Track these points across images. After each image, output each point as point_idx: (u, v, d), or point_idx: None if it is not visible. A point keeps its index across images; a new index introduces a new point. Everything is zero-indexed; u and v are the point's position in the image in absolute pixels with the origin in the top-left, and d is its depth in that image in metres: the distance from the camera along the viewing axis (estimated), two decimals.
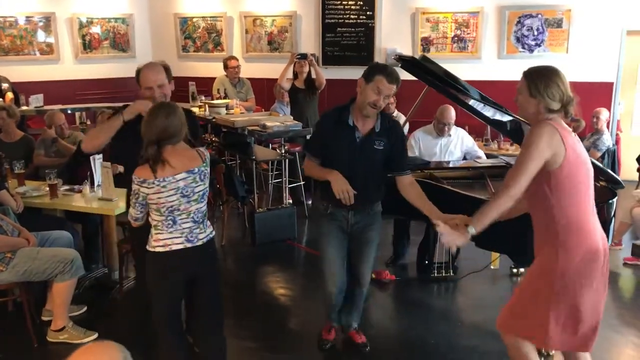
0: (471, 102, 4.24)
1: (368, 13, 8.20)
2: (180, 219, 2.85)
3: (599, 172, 3.85)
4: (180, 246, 2.86)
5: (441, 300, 4.64)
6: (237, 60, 7.37)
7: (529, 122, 2.69)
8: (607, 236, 3.67)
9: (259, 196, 6.05)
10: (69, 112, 7.46)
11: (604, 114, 6.50)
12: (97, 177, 4.62)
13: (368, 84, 3.04)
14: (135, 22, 9.13)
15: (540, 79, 2.51)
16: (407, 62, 4.00)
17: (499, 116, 4.30)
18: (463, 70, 6.97)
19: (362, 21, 8.25)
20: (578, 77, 7.46)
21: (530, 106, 2.55)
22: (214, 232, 3.05)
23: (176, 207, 2.82)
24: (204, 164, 2.90)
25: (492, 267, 4.99)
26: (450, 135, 5.10)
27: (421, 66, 3.95)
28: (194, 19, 9.02)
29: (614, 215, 3.96)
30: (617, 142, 7.30)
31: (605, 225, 3.61)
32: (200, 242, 2.91)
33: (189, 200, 2.84)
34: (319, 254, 3.56)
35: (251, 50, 8.82)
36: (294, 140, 6.34)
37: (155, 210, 2.83)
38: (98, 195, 4.54)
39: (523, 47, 7.70)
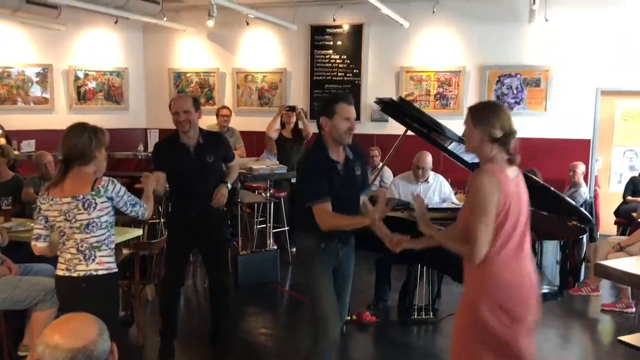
0: (450, 146, 4.42)
1: (355, 71, 8.53)
2: (67, 245, 2.88)
3: (569, 212, 4.01)
4: (60, 273, 2.92)
5: (421, 341, 4.67)
6: (230, 110, 7.59)
7: (476, 154, 2.71)
8: (578, 276, 3.81)
9: (243, 239, 6.12)
10: (60, 157, 7.56)
11: (580, 167, 6.73)
12: None
13: (333, 117, 3.07)
14: (130, 75, 9.41)
15: (484, 109, 2.64)
16: (386, 104, 4.21)
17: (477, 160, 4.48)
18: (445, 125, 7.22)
19: (348, 78, 8.56)
20: (556, 134, 7.78)
21: (475, 136, 2.59)
22: (105, 272, 2.91)
23: (62, 230, 2.87)
24: (92, 193, 2.82)
25: None
26: (429, 182, 5.27)
27: (399, 108, 4.15)
28: (188, 74, 9.33)
29: (584, 256, 4.05)
30: (595, 197, 7.49)
31: (576, 265, 3.74)
32: (75, 274, 2.86)
33: (71, 227, 2.84)
34: (308, 298, 3.29)
35: (242, 104, 9.09)
36: (279, 185, 6.49)
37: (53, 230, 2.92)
38: None
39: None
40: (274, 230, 6.38)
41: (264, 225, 6.39)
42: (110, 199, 2.89)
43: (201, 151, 3.85)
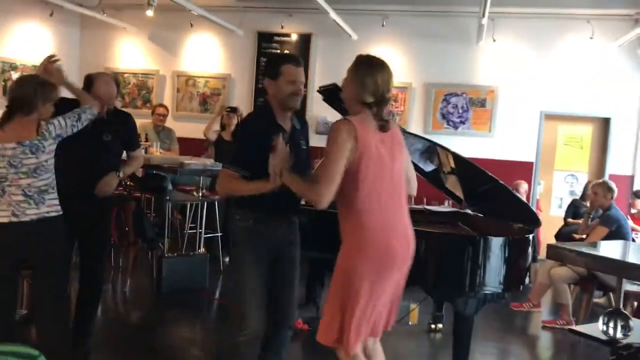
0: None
1: None
2: (9, 190, 2.85)
3: (515, 212, 3.81)
4: (5, 219, 2.85)
5: None
6: (166, 109, 7.21)
7: (347, 107, 2.68)
8: (523, 278, 3.58)
9: (170, 242, 5.68)
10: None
11: (523, 186, 6.66)
12: None
13: (277, 79, 2.81)
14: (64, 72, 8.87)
15: (364, 65, 2.58)
16: (328, 92, 3.94)
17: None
18: None
19: None
20: (501, 155, 7.73)
21: (349, 90, 2.58)
22: (56, 214, 2.96)
23: (4, 176, 2.84)
24: (39, 138, 2.89)
25: (410, 322, 4.76)
26: None
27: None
28: (125, 74, 8.88)
29: (529, 265, 3.82)
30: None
31: (522, 266, 3.52)
32: (27, 218, 2.87)
33: (17, 172, 2.85)
34: (238, 286, 2.92)
35: (182, 109, 8.69)
36: (214, 187, 6.09)
37: None
38: None
39: (448, 124, 7.92)
40: (206, 236, 5.96)
41: (195, 231, 5.97)
42: (59, 136, 2.98)
43: (100, 126, 3.38)
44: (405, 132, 4.03)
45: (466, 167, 3.88)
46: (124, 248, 5.46)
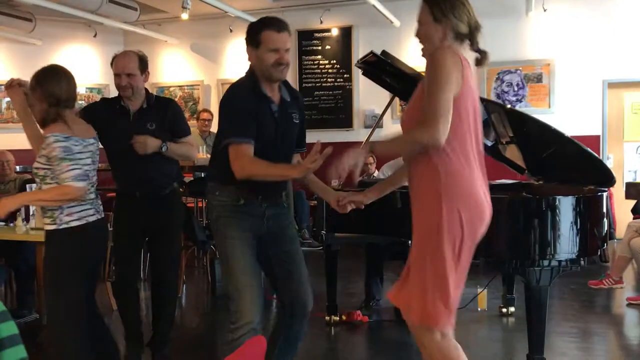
0: None
1: (345, 76, 8.09)
2: (91, 189, 2.72)
3: (584, 173, 3.44)
4: (93, 219, 2.70)
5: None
6: (211, 113, 7.13)
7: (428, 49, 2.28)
8: (602, 239, 3.19)
9: None
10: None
11: None
12: (32, 207, 4.19)
13: (258, 48, 2.48)
14: (111, 93, 8.99)
15: (444, 1, 2.19)
16: (367, 64, 3.71)
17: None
18: None
19: (339, 84, 8.12)
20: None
21: (436, 34, 2.18)
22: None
23: (91, 174, 2.69)
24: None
25: (479, 308, 4.42)
26: None
27: (384, 66, 3.63)
28: (171, 88, 8.91)
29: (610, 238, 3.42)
30: (609, 197, 6.90)
31: (596, 236, 3.15)
32: (104, 215, 2.81)
33: (94, 168, 2.72)
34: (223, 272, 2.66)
35: None
36: None
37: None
38: (31, 225, 4.11)
39: (504, 104, 7.50)
40: None
41: None
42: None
43: (142, 116, 3.23)
44: None
45: (527, 129, 3.55)
46: None
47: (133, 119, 3.25)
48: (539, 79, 7.36)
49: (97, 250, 2.81)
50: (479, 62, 2.24)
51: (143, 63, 3.23)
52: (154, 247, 3.42)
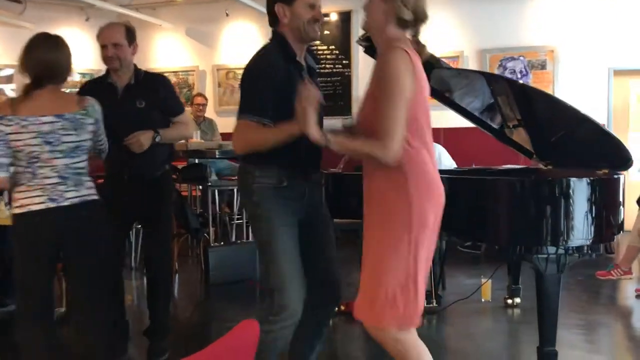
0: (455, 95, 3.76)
1: (344, 62, 7.90)
2: (41, 173, 2.42)
3: (599, 155, 3.26)
4: (38, 207, 2.40)
5: (423, 331, 3.81)
6: (205, 97, 6.95)
7: (376, 41, 2.23)
8: (617, 225, 3.02)
9: (216, 231, 5.36)
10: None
11: None
12: None
13: (292, 4, 2.31)
14: None
15: None
16: (371, 42, 3.51)
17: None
18: (445, 117, 6.54)
19: (338, 70, 7.93)
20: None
21: (379, 13, 2.12)
22: (96, 197, 2.58)
23: (36, 156, 2.40)
24: (83, 112, 2.50)
25: (482, 299, 4.25)
26: None
27: None
28: (166, 74, 8.65)
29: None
30: None
31: (611, 222, 2.97)
32: (67, 202, 2.44)
33: (52, 150, 2.42)
34: (263, 260, 2.45)
35: (224, 103, 8.43)
36: None
37: (17, 158, 2.39)
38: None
39: None
40: None
41: (242, 221, 5.64)
42: (97, 121, 2.57)
43: (131, 93, 3.05)
44: (462, 71, 3.56)
45: (536, 109, 3.38)
46: None
47: (121, 96, 3.06)
48: (543, 65, 7.17)
49: (43, 241, 2.45)
50: (420, 54, 2.13)
51: (130, 33, 3.05)
52: (145, 234, 3.24)
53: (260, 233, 2.37)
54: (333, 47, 7.92)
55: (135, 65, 3.13)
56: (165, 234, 3.30)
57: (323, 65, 7.96)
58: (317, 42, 7.92)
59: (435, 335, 3.80)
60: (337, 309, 3.96)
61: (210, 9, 8.15)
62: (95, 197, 2.56)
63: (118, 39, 2.99)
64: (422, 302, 2.13)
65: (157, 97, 3.12)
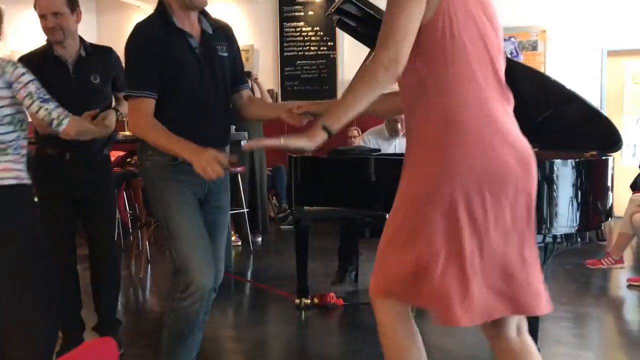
0: None
1: (329, 44, 7.63)
2: None
3: (588, 136, 3.03)
4: None
5: None
6: None
7: None
8: (604, 210, 2.79)
9: None
10: None
11: None
12: None
13: None
14: None
15: None
16: (341, 11, 3.26)
17: None
18: None
19: (322, 52, 7.66)
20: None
21: None
22: (15, 181, 2.26)
23: None
24: None
25: None
26: (404, 136, 4.33)
27: (358, 11, 3.19)
28: None
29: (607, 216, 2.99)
30: None
31: (598, 207, 2.74)
32: None
33: None
34: (164, 236, 2.27)
35: None
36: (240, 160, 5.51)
37: None
38: None
39: None
40: (231, 212, 5.38)
41: None
42: (9, 84, 2.21)
43: (83, 68, 2.81)
44: None
45: (520, 86, 3.11)
46: (136, 230, 4.91)
47: (73, 72, 2.81)
48: (534, 46, 6.93)
49: None
50: None
51: (71, 2, 2.77)
52: (89, 221, 2.98)
53: (159, 213, 2.25)
54: (317, 28, 7.64)
55: (80, 37, 2.88)
56: (109, 217, 3.10)
57: (307, 48, 7.70)
58: (301, 23, 7.66)
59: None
60: (309, 301, 3.76)
61: None
62: (8, 182, 2.23)
63: (58, 7, 2.72)
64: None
65: (110, 71, 2.93)
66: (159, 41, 2.13)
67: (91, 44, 2.93)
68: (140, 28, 2.19)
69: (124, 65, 2.28)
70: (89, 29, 8.58)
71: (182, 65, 2.15)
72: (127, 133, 6.66)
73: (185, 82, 2.17)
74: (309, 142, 1.65)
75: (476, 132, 1.60)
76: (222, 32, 2.33)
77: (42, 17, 2.73)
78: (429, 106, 1.65)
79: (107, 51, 3.00)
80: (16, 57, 2.79)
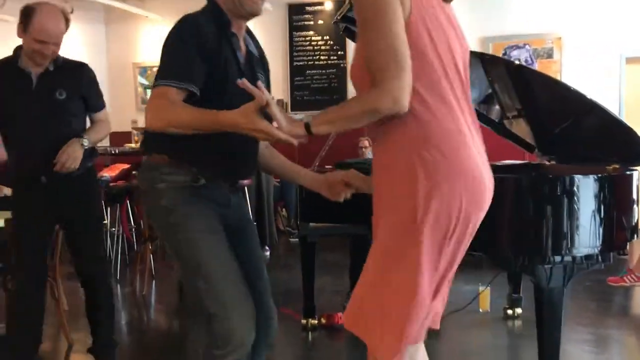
0: None
1: (339, 53, 7.50)
2: None
3: (609, 148, 2.85)
4: None
5: None
6: None
7: None
8: (630, 230, 2.61)
9: None
10: None
11: None
12: None
13: None
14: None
15: None
16: (347, 18, 3.14)
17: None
18: None
19: (332, 62, 7.53)
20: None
21: None
22: None
23: None
24: None
25: (480, 310, 3.85)
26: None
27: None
28: (154, 68, 8.32)
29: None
30: None
31: (624, 226, 2.56)
32: None
33: None
34: (186, 278, 1.98)
35: None
36: None
37: None
38: None
39: None
40: None
41: None
42: None
43: (48, 82, 2.67)
44: None
45: (537, 96, 2.97)
46: (139, 246, 4.79)
47: (37, 85, 2.66)
48: (549, 54, 6.74)
49: None
50: None
51: (68, 25, 2.67)
52: (74, 241, 2.86)
53: (180, 246, 1.86)
54: (327, 37, 7.52)
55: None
56: (96, 235, 2.95)
57: (317, 57, 7.58)
58: (311, 33, 7.54)
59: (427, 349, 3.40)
60: (316, 322, 3.61)
61: (199, 0, 7.77)
62: None
63: (61, 38, 2.62)
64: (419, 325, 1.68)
65: (80, 87, 2.76)
66: (210, 37, 1.83)
67: (64, 59, 2.77)
68: (189, 18, 1.87)
69: (161, 54, 1.90)
70: (97, 40, 8.55)
71: (227, 72, 1.85)
72: (132, 145, 6.58)
73: (226, 94, 1.83)
74: (289, 126, 1.56)
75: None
76: (264, 62, 2.13)
77: (42, 42, 2.57)
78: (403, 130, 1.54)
79: (79, 67, 2.83)
80: None
